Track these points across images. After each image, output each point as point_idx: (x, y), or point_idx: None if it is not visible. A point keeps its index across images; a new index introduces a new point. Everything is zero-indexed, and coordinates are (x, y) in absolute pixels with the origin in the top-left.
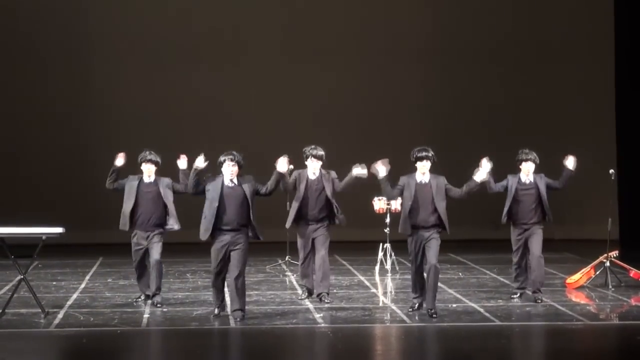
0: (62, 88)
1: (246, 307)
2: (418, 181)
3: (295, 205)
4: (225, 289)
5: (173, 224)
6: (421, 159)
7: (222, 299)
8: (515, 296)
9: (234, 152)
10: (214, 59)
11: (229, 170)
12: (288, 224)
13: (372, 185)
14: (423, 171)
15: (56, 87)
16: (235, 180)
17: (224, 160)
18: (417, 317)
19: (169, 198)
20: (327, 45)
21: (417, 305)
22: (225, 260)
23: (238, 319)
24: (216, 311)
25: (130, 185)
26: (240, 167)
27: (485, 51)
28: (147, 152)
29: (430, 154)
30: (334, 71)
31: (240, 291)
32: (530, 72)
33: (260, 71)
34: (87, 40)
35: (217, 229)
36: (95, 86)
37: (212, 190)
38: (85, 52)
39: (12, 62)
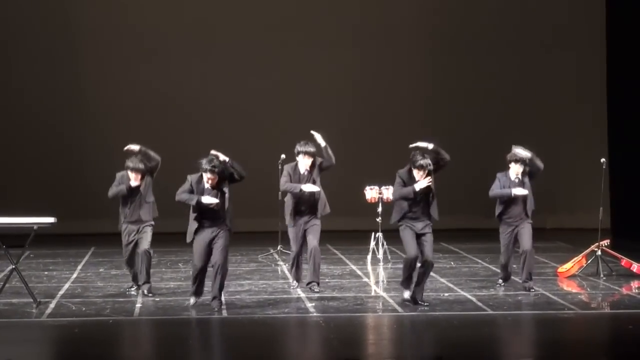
0: (52, 79)
1: (234, 297)
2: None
3: (290, 202)
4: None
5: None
6: (420, 168)
7: (201, 289)
8: (501, 282)
9: (215, 163)
10: (210, 54)
11: (208, 180)
12: (288, 222)
13: (363, 175)
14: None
15: (47, 78)
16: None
17: (204, 170)
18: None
19: (149, 194)
20: (324, 37)
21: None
22: (207, 255)
23: (216, 308)
24: (192, 300)
25: (120, 189)
26: (219, 174)
27: (480, 43)
28: (134, 161)
29: (429, 163)
30: (331, 63)
31: (222, 280)
32: (522, 63)
33: (258, 66)
34: (77, 31)
35: (199, 227)
36: (86, 77)
37: (196, 194)
38: (75, 44)
39: (3, 56)
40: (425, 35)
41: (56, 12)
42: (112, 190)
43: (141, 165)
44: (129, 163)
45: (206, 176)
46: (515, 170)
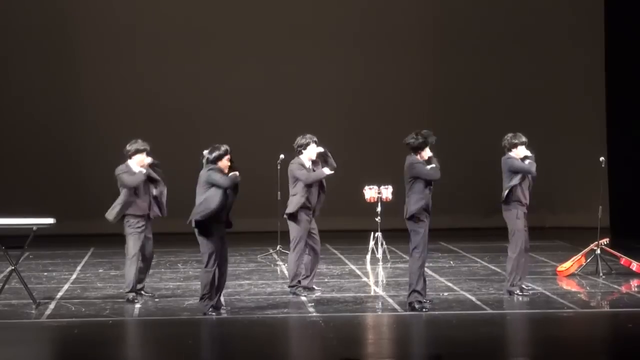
0: (51, 80)
1: (233, 297)
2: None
3: (302, 194)
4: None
5: (157, 212)
6: (423, 145)
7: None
8: (519, 287)
9: (226, 147)
10: (209, 54)
11: (227, 165)
12: (292, 209)
13: (362, 174)
14: (426, 157)
15: (46, 78)
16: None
17: (223, 155)
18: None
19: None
20: (325, 36)
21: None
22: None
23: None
24: (210, 305)
25: (139, 175)
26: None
27: (480, 44)
28: (138, 142)
29: (426, 139)
30: (331, 62)
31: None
32: (522, 63)
33: (258, 66)
34: (74, 32)
35: (215, 222)
36: (85, 78)
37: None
38: (72, 45)
39: (0, 57)
40: (426, 33)
41: (53, 13)
42: (131, 179)
43: (147, 146)
44: (132, 146)
45: (225, 158)
46: (522, 153)
